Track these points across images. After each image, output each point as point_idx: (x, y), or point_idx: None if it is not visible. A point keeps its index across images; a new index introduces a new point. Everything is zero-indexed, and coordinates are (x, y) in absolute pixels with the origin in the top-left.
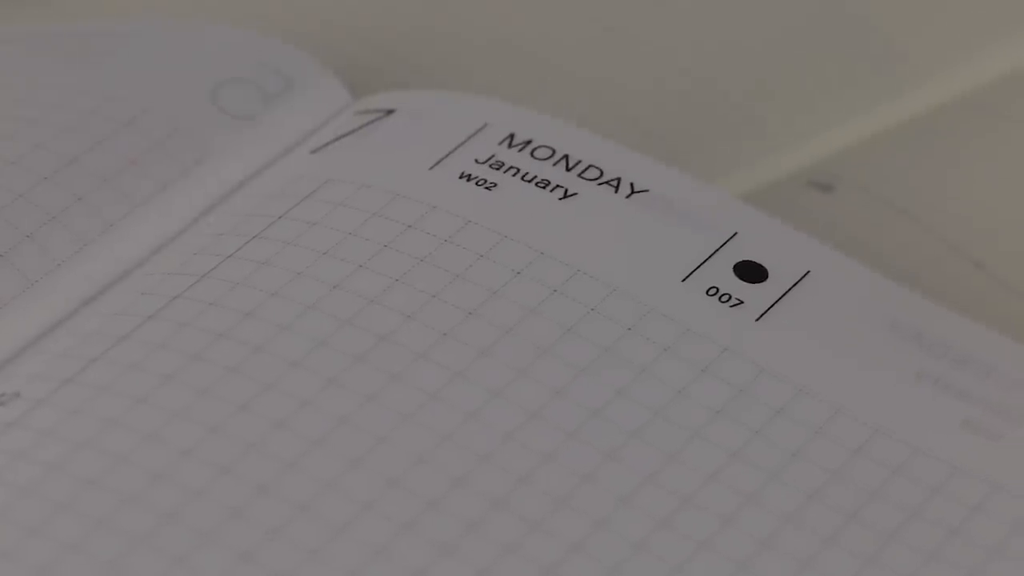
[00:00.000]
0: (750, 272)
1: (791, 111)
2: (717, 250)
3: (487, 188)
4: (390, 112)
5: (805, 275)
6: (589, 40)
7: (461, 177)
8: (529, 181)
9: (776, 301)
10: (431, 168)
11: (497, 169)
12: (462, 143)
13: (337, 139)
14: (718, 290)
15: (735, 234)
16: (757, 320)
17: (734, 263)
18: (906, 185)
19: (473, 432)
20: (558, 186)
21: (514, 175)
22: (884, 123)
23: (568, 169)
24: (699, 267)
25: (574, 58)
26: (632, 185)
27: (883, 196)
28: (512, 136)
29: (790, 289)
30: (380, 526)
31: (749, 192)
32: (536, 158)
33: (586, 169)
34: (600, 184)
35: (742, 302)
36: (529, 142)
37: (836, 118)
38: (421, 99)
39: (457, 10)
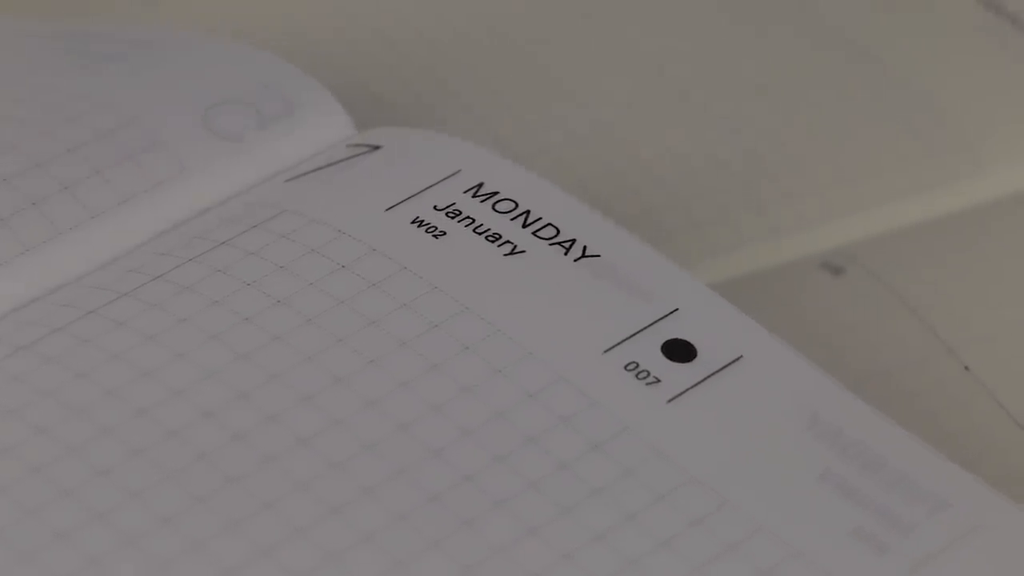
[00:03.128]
0: (678, 351)
1: (822, 189)
2: (650, 325)
3: (435, 236)
4: (376, 148)
5: (736, 360)
6: (614, 86)
7: (413, 222)
8: (480, 233)
9: (696, 383)
10: (387, 210)
11: (452, 218)
12: (427, 187)
13: (315, 170)
14: (638, 365)
15: (675, 310)
16: (669, 401)
17: (664, 340)
18: (916, 279)
19: (330, 483)
20: (507, 241)
21: (467, 225)
22: (914, 215)
23: (525, 225)
24: (625, 340)
25: (596, 91)
26: (584, 249)
27: (891, 286)
28: (480, 185)
29: (714, 373)
30: (206, 570)
31: (762, 267)
32: (497, 211)
33: (543, 227)
34: (552, 244)
35: (659, 381)
36: (495, 193)
37: (866, 202)
38: (408, 138)
39: (485, 42)
